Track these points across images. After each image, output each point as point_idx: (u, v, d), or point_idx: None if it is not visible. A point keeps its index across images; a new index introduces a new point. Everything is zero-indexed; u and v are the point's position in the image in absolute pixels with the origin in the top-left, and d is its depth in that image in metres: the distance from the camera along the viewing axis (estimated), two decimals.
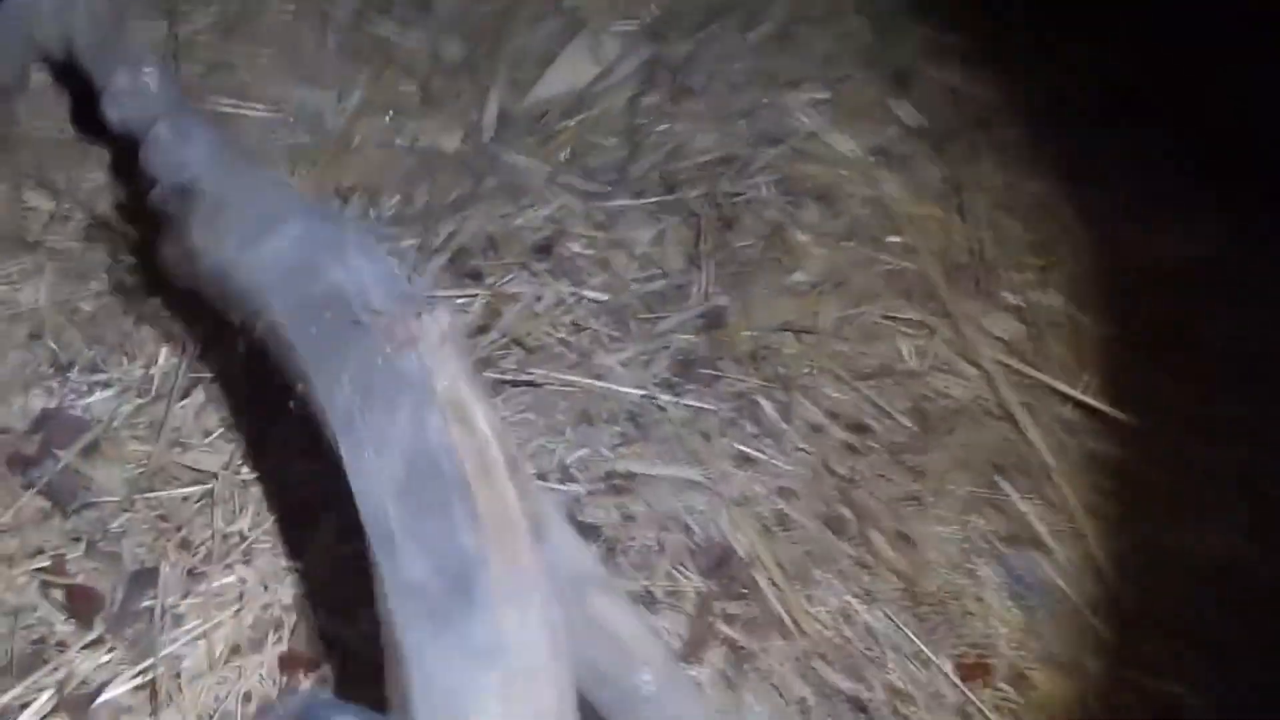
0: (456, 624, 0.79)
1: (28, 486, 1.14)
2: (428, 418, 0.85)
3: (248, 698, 1.03)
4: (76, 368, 1.26)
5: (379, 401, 0.86)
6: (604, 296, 1.51)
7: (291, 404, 0.97)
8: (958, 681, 1.16)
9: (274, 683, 1.04)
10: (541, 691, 0.79)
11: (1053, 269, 1.62)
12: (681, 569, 1.22)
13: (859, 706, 1.12)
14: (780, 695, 1.12)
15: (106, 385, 1.25)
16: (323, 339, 0.91)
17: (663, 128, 1.71)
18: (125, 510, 1.14)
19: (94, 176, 1.48)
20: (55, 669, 1.01)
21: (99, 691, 1.00)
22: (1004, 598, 1.27)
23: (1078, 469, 1.42)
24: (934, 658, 1.18)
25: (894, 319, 1.54)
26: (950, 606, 1.24)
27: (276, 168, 1.50)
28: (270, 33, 1.72)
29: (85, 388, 1.25)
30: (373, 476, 0.85)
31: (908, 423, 1.42)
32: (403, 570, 0.81)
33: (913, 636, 1.20)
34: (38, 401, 1.22)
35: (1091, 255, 1.64)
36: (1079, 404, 1.46)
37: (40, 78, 1.53)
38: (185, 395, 1.25)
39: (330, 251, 0.96)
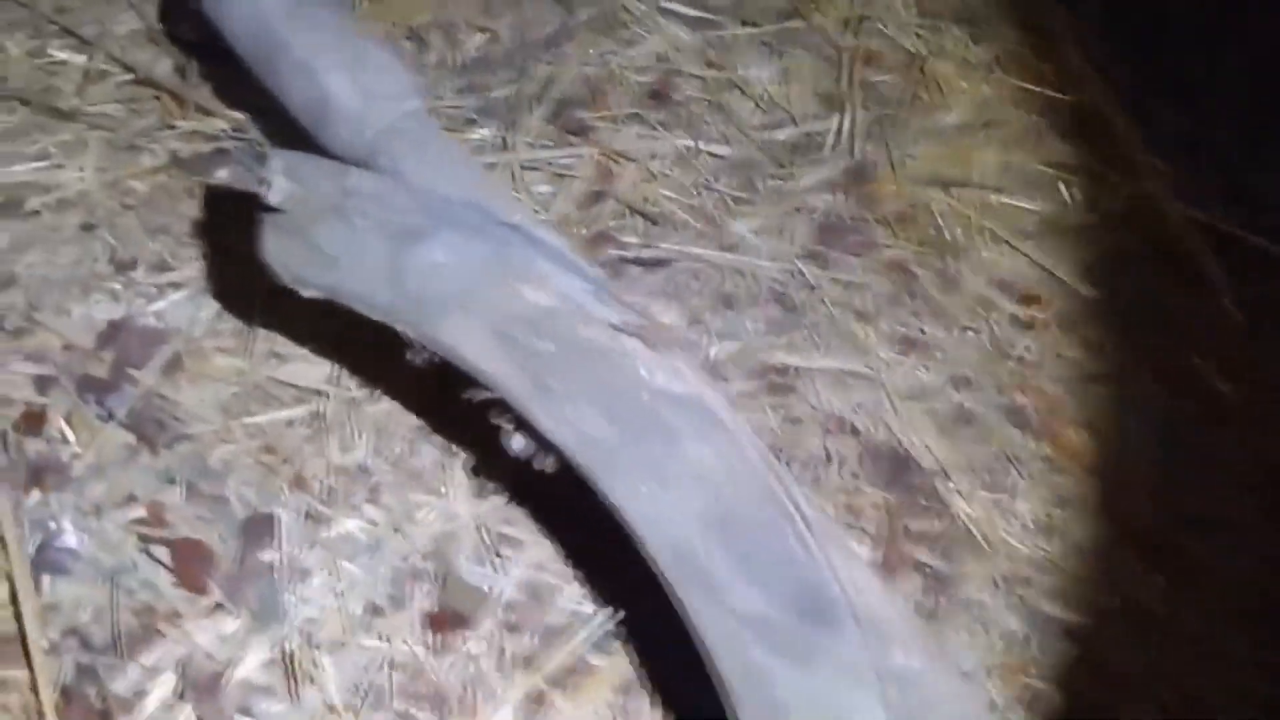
0: (822, 650, 0.66)
1: (107, 417, 0.93)
2: (725, 440, 0.64)
3: (396, 665, 0.85)
4: (141, 265, 1.03)
5: (648, 429, 0.67)
6: (725, 150, 1.26)
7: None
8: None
9: (426, 647, 0.87)
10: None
11: None
12: (855, 480, 1.03)
13: (1076, 638, 0.95)
14: (985, 631, 0.95)
15: (178, 286, 1.02)
16: (544, 366, 0.70)
17: None
18: (223, 441, 0.94)
19: (126, 19, 1.20)
20: (173, 644, 0.83)
21: (227, 670, 0.83)
22: None
23: None
24: (1153, 574, 1.00)
25: (1058, 165, 1.30)
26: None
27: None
28: None
29: (154, 290, 1.02)
30: (663, 512, 0.66)
31: (1085, 289, 1.20)
32: (734, 606, 0.65)
33: (1120, 547, 1.02)
34: (102, 310, 0.99)
35: None
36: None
37: None
38: (273, 295, 1.02)
39: (515, 258, 0.73)
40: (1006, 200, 1.26)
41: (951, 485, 1.04)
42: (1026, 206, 1.26)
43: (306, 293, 0.79)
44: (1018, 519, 1.03)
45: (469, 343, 0.73)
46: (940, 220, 1.23)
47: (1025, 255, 1.22)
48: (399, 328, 0.76)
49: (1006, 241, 1.23)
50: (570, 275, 0.73)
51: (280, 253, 0.78)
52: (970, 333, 1.16)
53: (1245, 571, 1.01)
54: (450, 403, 0.95)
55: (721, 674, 0.68)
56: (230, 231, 1.06)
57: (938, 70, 1.35)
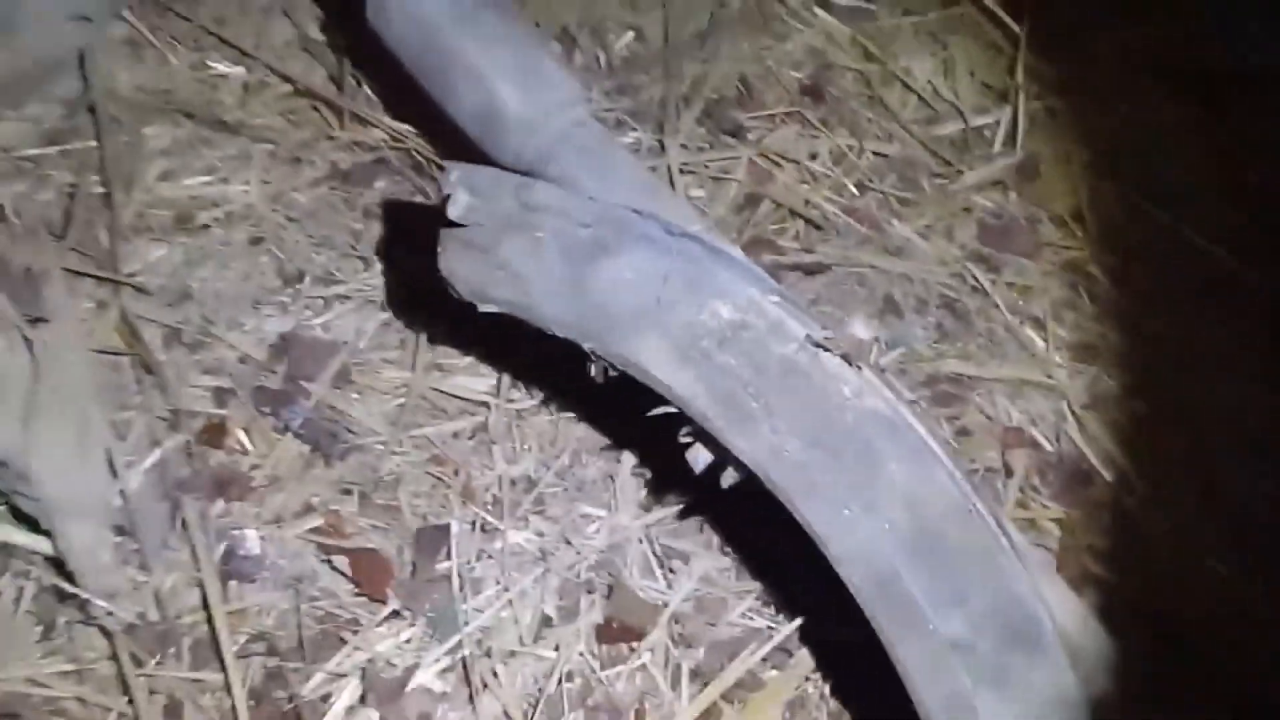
0: (1027, 675, 0.71)
1: (284, 429, 1.02)
2: (927, 461, 0.69)
3: (569, 677, 0.92)
4: (308, 278, 1.12)
5: (851, 451, 0.72)
6: (888, 149, 1.29)
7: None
8: None
9: (596, 658, 0.93)
10: None
11: None
12: (1034, 493, 1.06)
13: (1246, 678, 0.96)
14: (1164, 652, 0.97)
15: (344, 298, 1.11)
16: (733, 383, 0.75)
17: None
18: (394, 452, 1.02)
19: (281, 29, 1.29)
20: (355, 650, 0.91)
21: (407, 677, 0.90)
22: None
23: None
24: None
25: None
26: None
27: None
28: None
29: (321, 303, 1.10)
30: (865, 537, 0.70)
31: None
32: (938, 630, 0.71)
33: None
34: (272, 324, 1.08)
35: None
36: None
37: None
38: (436, 305, 1.10)
39: (700, 273, 0.78)
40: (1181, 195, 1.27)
41: (1137, 496, 1.05)
42: (1209, 207, 1.27)
43: (485, 307, 0.86)
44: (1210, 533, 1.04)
45: (656, 359, 0.79)
46: (1113, 215, 1.25)
47: (1211, 252, 1.23)
48: (585, 345, 0.82)
49: (1183, 234, 1.24)
50: (755, 288, 0.78)
51: (461, 267, 0.85)
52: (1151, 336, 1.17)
53: None
54: (616, 415, 1.02)
55: (923, 700, 0.72)
56: (392, 243, 1.14)
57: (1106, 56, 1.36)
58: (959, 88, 1.34)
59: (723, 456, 0.79)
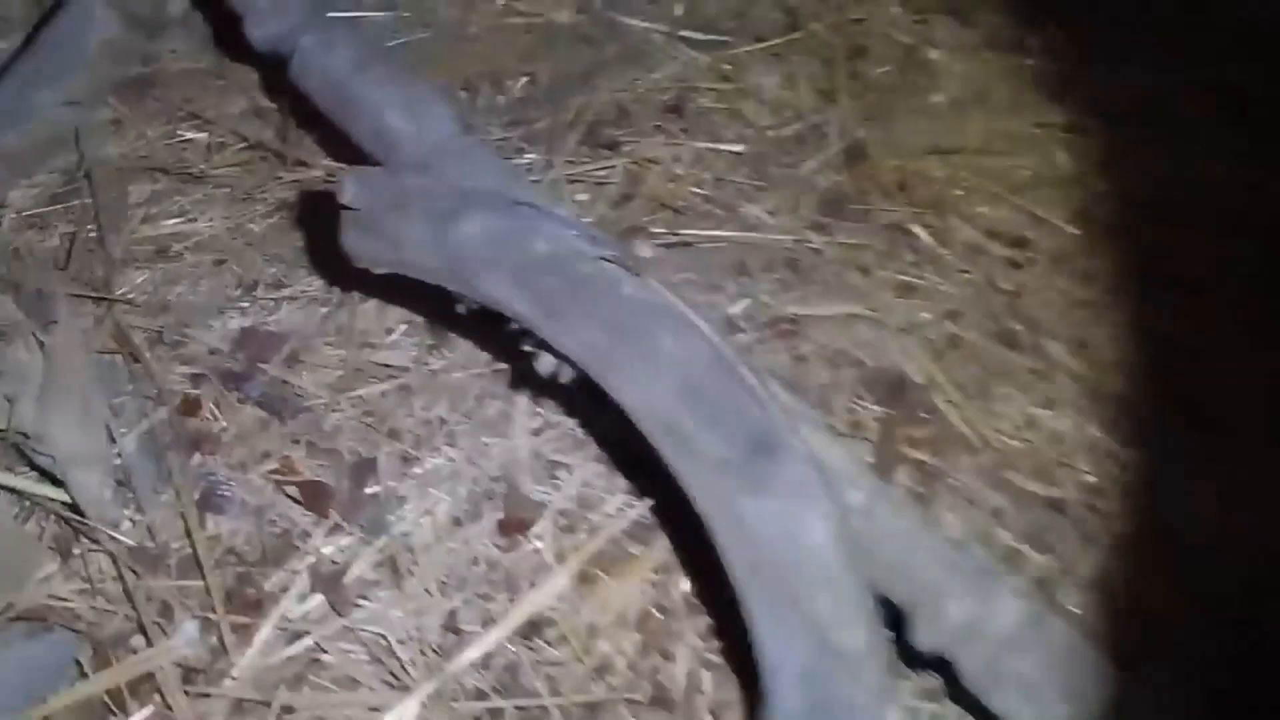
0: (773, 477, 0.94)
1: (244, 400, 1.30)
2: (690, 334, 0.97)
3: (475, 561, 1.18)
4: (261, 285, 1.41)
5: (633, 333, 1.00)
6: (740, 148, 1.58)
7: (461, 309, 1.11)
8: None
9: (496, 546, 1.19)
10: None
11: None
12: (858, 401, 1.31)
13: (1055, 507, 1.21)
14: (973, 505, 1.21)
15: (292, 299, 1.40)
16: (552, 297, 1.03)
17: None
18: (334, 410, 1.29)
19: (238, 101, 1.61)
20: (305, 555, 1.18)
21: (345, 570, 1.16)
22: None
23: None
24: (1122, 449, 1.25)
25: (1046, 125, 1.57)
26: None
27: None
28: None
29: (273, 303, 1.39)
30: (651, 390, 0.98)
31: (1072, 229, 1.47)
32: (705, 451, 0.96)
33: (1101, 433, 1.27)
34: (235, 322, 1.37)
35: None
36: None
37: (178, 7, 1.66)
38: (364, 299, 1.38)
39: (526, 224, 1.07)
40: (997, 161, 1.54)
41: (945, 397, 1.31)
42: (1017, 164, 1.54)
43: (378, 270, 1.15)
44: (1007, 419, 1.29)
45: (499, 290, 1.06)
46: (935, 185, 1.52)
47: (1016, 206, 1.49)
48: (450, 286, 1.10)
49: (1000, 196, 1.51)
50: (570, 230, 1.06)
51: (356, 242, 1.14)
52: (964, 275, 1.43)
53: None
54: (511, 369, 1.30)
55: (701, 511, 0.97)
56: (328, 255, 1.43)
57: (928, 57, 1.65)
58: (799, 95, 1.64)
59: (556, 356, 1.06)
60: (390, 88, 1.29)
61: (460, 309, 1.12)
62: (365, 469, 1.24)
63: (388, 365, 1.34)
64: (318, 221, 1.45)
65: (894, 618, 1.00)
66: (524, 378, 1.26)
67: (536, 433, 1.28)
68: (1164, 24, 1.68)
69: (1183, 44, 1.67)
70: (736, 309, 1.40)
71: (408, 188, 1.12)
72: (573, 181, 1.54)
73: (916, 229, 1.48)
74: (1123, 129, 1.55)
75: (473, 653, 1.11)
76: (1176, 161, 1.52)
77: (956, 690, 1.02)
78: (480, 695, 1.09)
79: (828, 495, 0.95)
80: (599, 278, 1.03)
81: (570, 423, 1.27)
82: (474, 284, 1.09)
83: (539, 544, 1.19)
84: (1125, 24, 1.69)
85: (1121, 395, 1.30)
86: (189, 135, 1.56)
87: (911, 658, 1.03)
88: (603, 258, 1.03)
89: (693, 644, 1.12)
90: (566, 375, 1.08)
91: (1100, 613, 1.14)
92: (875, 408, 1.31)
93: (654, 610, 1.15)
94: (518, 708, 1.08)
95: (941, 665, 1.01)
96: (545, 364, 1.09)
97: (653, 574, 1.18)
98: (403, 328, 1.37)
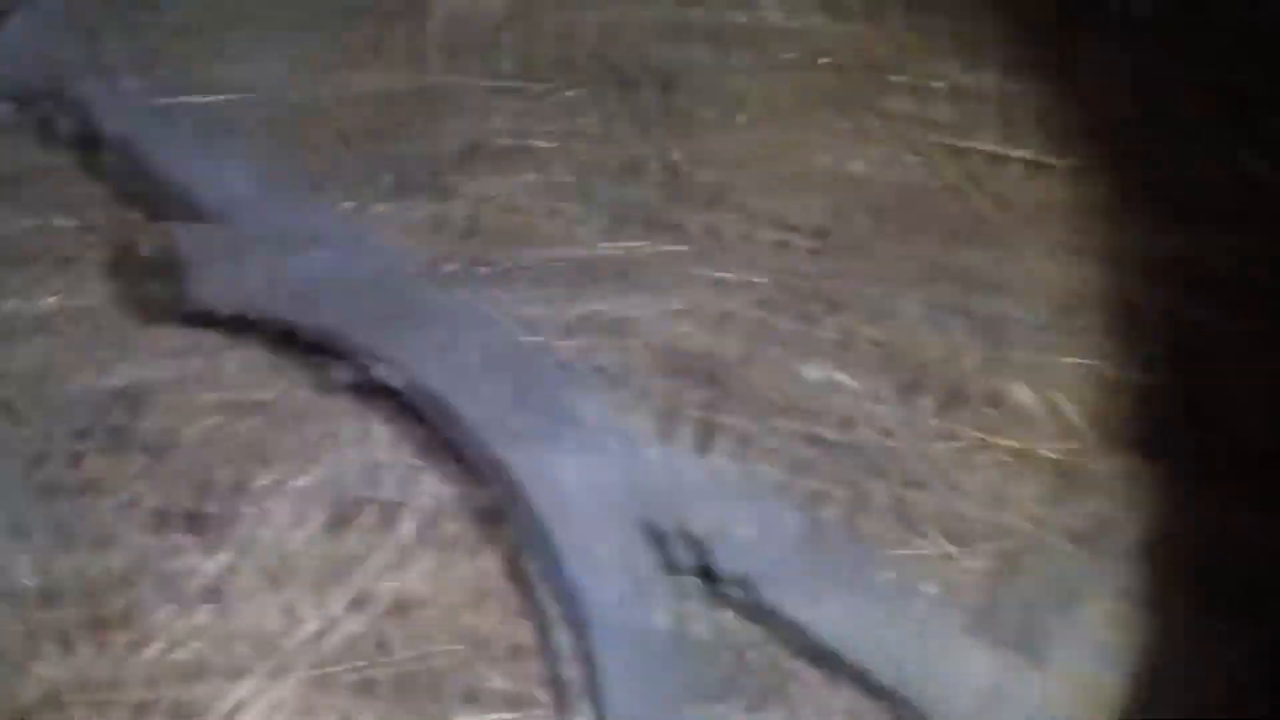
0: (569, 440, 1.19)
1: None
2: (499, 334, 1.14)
3: (340, 559, 1.32)
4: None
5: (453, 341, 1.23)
6: (569, 178, 1.76)
7: None
8: (935, 415, 1.43)
9: (359, 544, 1.33)
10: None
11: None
12: (676, 385, 1.48)
13: (855, 449, 1.39)
14: (778, 456, 1.38)
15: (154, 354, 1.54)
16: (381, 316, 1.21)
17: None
18: (206, 445, 1.43)
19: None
20: (184, 573, 1.31)
21: (220, 581, 1.30)
22: (977, 343, 1.52)
23: (1028, 220, 1.66)
24: (918, 397, 1.44)
25: (833, 131, 1.78)
26: (929, 355, 1.49)
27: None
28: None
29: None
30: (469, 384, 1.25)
31: (865, 219, 1.67)
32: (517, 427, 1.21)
33: (895, 389, 1.45)
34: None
35: None
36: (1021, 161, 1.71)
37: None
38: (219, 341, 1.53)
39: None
40: (796, 167, 1.75)
41: (754, 372, 1.49)
42: (809, 168, 1.74)
43: (225, 312, 1.31)
44: (810, 386, 1.47)
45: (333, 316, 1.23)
46: (741, 194, 1.72)
47: (815, 202, 1.69)
48: (290, 318, 1.27)
49: (797, 199, 1.71)
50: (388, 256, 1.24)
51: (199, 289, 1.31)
52: (770, 266, 1.62)
53: None
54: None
55: (515, 479, 1.13)
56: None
57: (732, 84, 1.87)
58: (617, 128, 1.83)
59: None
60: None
61: (303, 337, 1.28)
62: (236, 492, 1.38)
63: (250, 399, 1.48)
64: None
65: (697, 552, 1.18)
66: (373, 391, 1.42)
67: (387, 439, 1.42)
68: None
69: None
70: (570, 315, 1.56)
71: (240, 233, 1.29)
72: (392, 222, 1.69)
73: (727, 232, 1.67)
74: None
75: (343, 633, 1.25)
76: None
77: (751, 606, 1.20)
78: (354, 669, 1.23)
79: (626, 452, 1.13)
80: (395, 277, 1.19)
81: (419, 428, 1.43)
82: (313, 314, 1.25)
83: (400, 538, 1.34)
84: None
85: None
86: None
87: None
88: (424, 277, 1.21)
89: (543, 601, 1.27)
90: (400, 382, 1.25)
91: None
92: (694, 391, 1.48)
93: (507, 581, 1.31)
94: (388, 675, 1.22)
95: (743, 584, 1.18)
96: (382, 373, 1.25)
97: (504, 552, 1.33)
98: (256, 360, 1.51)
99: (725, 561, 1.19)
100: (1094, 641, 1.22)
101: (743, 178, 1.73)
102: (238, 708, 1.20)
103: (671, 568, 1.21)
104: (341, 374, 1.44)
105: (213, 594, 1.29)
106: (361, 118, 1.83)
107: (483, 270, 1.54)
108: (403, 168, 1.74)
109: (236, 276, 1.25)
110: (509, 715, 1.21)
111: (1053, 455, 1.40)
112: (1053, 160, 1.70)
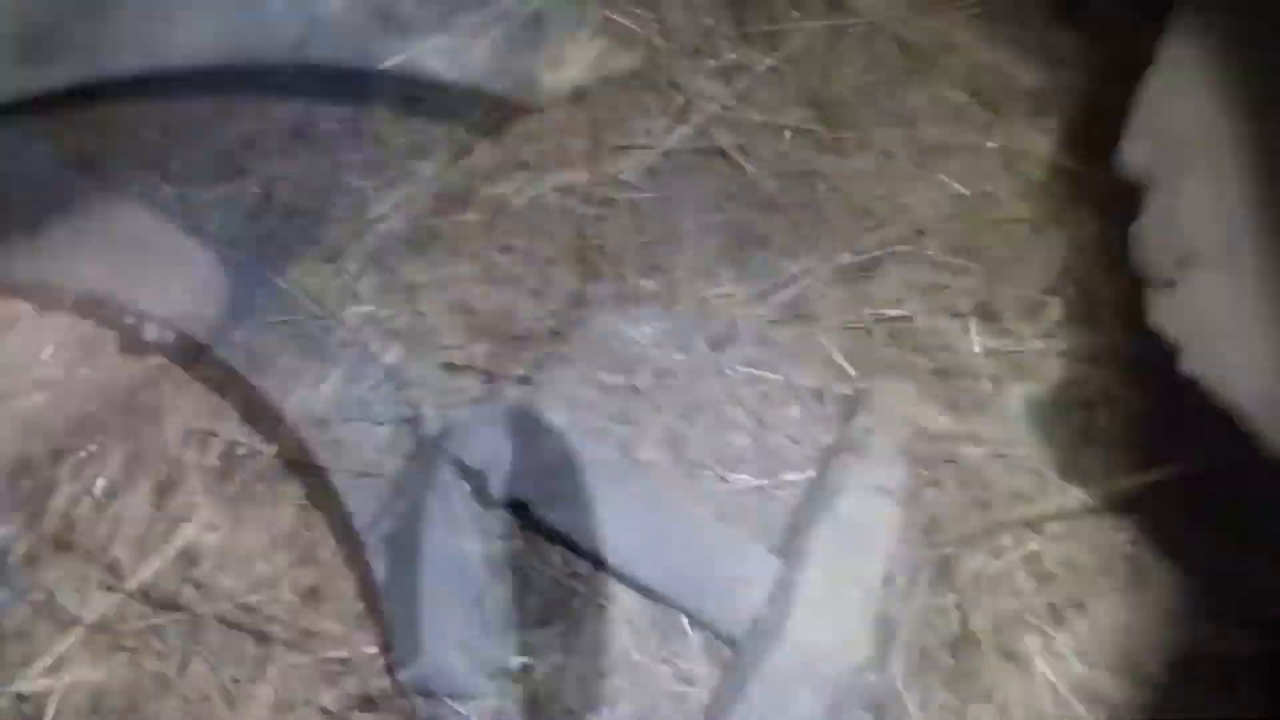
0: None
1: None
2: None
3: (134, 520, 1.35)
4: None
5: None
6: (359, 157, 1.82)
7: None
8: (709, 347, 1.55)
9: (149, 504, 1.36)
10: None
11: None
12: (470, 339, 1.56)
13: (633, 390, 1.49)
14: (573, 400, 1.47)
15: None
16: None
17: None
18: None
19: None
20: None
21: (7, 550, 1.32)
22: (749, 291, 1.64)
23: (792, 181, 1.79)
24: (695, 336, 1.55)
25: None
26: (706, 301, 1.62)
27: None
28: None
29: None
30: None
31: (645, 187, 1.78)
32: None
33: (674, 328, 1.56)
34: None
35: None
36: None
37: None
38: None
39: None
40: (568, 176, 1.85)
41: (539, 323, 1.58)
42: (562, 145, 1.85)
43: None
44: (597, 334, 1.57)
45: None
46: (524, 177, 1.81)
47: (596, 173, 1.79)
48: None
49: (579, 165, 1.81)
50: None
51: None
52: (556, 231, 1.71)
53: None
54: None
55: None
56: None
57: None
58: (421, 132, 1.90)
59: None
60: None
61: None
62: (23, 467, 1.40)
63: (43, 379, 1.50)
64: None
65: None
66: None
67: (183, 410, 1.46)
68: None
69: None
70: (363, 283, 1.63)
71: None
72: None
73: (515, 204, 1.76)
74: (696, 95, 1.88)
75: (135, 582, 1.28)
76: None
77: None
78: (143, 616, 1.26)
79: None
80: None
81: (214, 395, 1.47)
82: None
83: (193, 496, 1.38)
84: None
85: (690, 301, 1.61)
86: None
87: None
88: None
89: (331, 546, 1.33)
90: (155, 334, 1.30)
91: None
92: (484, 341, 1.56)
93: (302, 530, 1.36)
94: (176, 621, 1.26)
95: (516, 507, 1.28)
96: (150, 332, 1.30)
97: (298, 504, 1.38)
98: (49, 349, 1.53)
99: (503, 488, 1.28)
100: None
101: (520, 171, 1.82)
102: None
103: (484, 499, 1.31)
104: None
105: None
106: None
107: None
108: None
109: None
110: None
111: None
112: None
